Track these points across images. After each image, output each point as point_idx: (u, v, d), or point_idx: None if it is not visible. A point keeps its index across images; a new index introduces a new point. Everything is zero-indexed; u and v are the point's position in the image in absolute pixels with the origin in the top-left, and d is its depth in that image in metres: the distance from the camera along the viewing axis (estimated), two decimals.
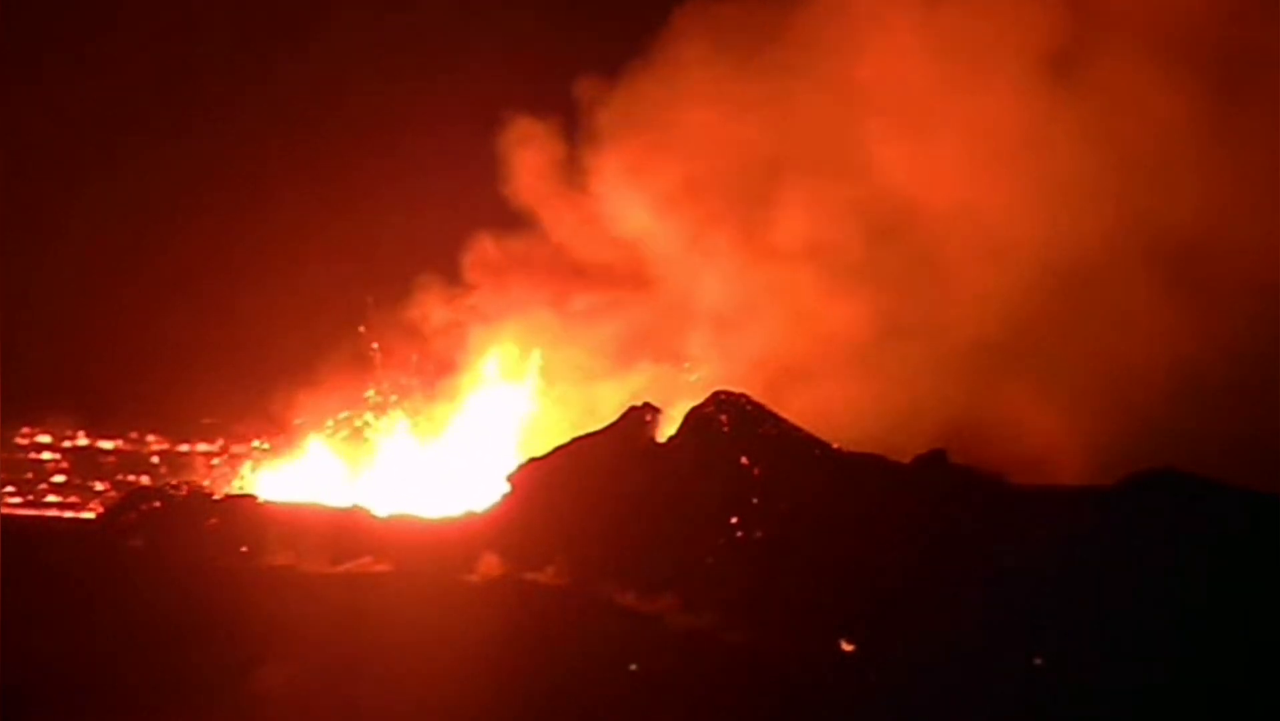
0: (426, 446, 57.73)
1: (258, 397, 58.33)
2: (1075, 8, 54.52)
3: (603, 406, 54.48)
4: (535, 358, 58.23)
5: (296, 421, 57.56)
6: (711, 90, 57.23)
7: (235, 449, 59.69)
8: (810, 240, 55.39)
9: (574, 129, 58.09)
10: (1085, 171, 54.03)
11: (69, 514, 65.12)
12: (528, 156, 58.40)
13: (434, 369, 58.81)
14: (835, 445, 49.94)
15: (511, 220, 58.66)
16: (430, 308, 58.55)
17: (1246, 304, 51.84)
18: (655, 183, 56.97)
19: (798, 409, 51.33)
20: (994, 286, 53.76)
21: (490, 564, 47.14)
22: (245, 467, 57.68)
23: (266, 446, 57.94)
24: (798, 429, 50.15)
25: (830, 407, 52.06)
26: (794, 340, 54.62)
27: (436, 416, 58.36)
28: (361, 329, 58.46)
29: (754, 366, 54.02)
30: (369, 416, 58.11)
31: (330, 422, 57.82)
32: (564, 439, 52.08)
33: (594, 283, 58.31)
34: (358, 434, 57.98)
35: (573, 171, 58.07)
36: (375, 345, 58.61)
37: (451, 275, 58.87)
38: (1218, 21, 53.69)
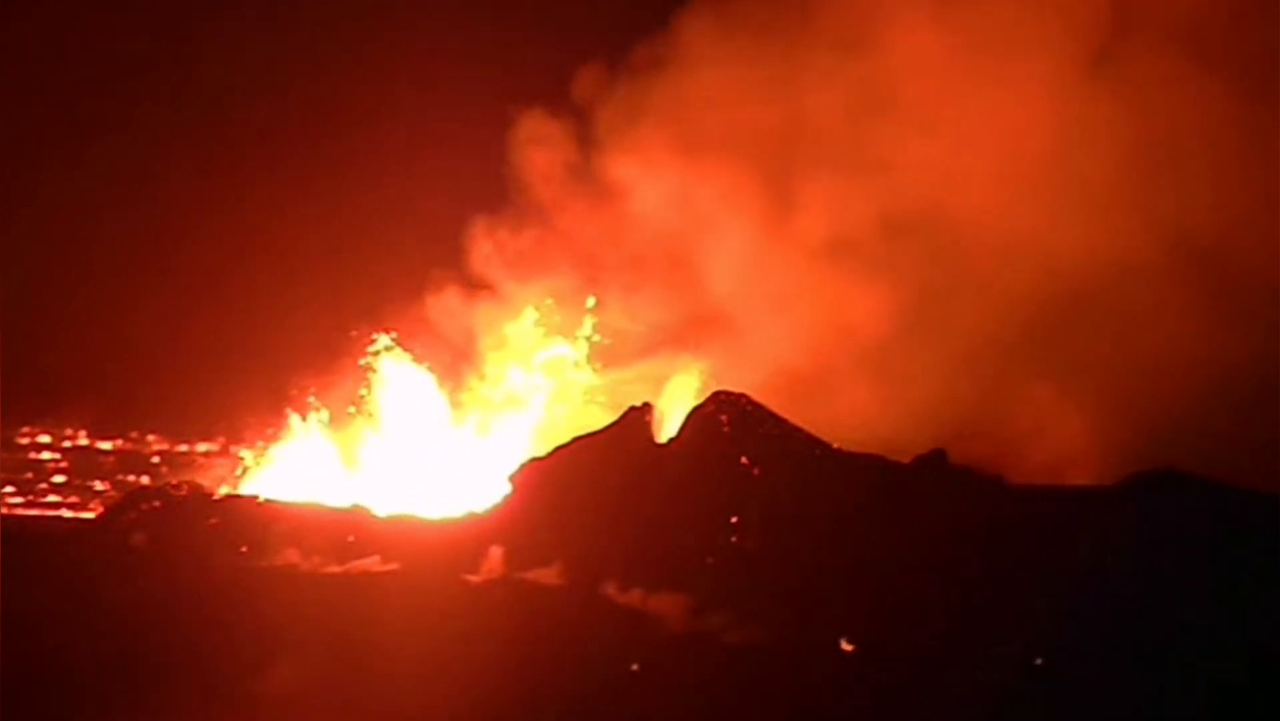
0: (447, 436, 57.65)
1: (259, 396, 58.31)
2: (1102, 8, 54.38)
3: (621, 395, 54.58)
4: (590, 303, 58.16)
5: (297, 419, 57.53)
6: (726, 85, 57.19)
7: (235, 448, 59.51)
8: (831, 238, 55.48)
9: (585, 122, 58.12)
10: (1110, 173, 53.97)
11: (69, 514, 65.13)
12: (538, 151, 58.29)
13: (452, 360, 58.64)
14: (835, 445, 49.94)
15: (519, 211, 58.65)
16: (446, 301, 58.32)
17: (1267, 307, 51.82)
18: (667, 177, 56.98)
19: (815, 407, 51.45)
20: (1015, 286, 53.83)
21: (492, 564, 47.13)
22: (246, 466, 57.63)
23: (266, 446, 57.85)
24: (798, 429, 50.18)
25: (848, 407, 52.19)
26: (811, 338, 54.65)
27: (462, 404, 58.27)
28: (353, 333, 58.30)
29: (770, 362, 54.05)
30: (368, 411, 58.01)
31: (328, 418, 57.81)
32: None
33: (611, 274, 58.24)
34: (359, 430, 57.92)
35: (584, 166, 58.07)
36: (366, 355, 58.43)
37: (463, 268, 58.79)
38: (1246, 25, 53.54)
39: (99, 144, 75.00)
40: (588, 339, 58.47)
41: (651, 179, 57.03)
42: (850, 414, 52.04)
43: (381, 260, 64.38)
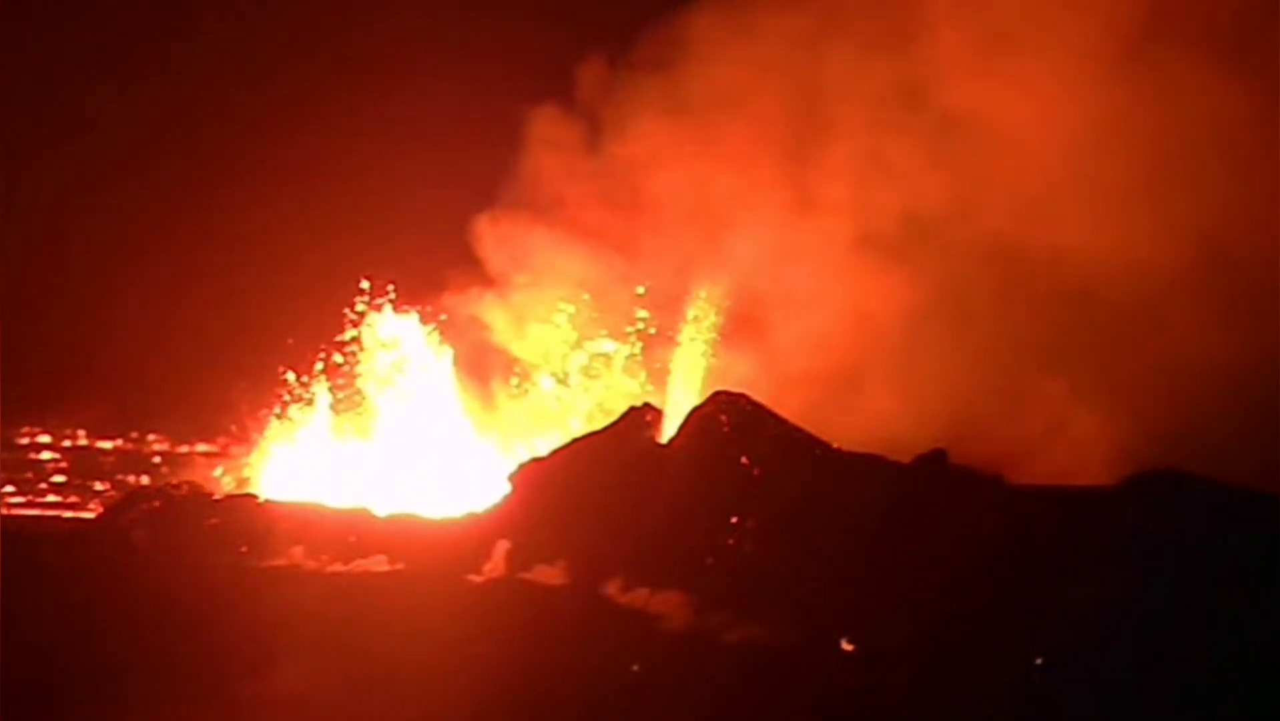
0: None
1: (258, 395, 58.18)
2: (1129, 9, 54.20)
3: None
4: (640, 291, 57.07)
5: (295, 415, 57.46)
6: (743, 78, 57.01)
7: (235, 448, 59.45)
8: (851, 234, 55.43)
9: (597, 119, 57.67)
10: (1135, 175, 53.83)
11: (69, 514, 65.10)
12: (549, 147, 57.94)
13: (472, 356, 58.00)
14: (835, 445, 49.92)
15: (531, 208, 58.04)
16: (466, 302, 57.90)
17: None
18: (680, 168, 56.81)
19: (832, 404, 51.44)
20: (1034, 285, 53.84)
21: (494, 564, 47.15)
22: (245, 466, 57.55)
23: (265, 444, 57.71)
24: (798, 429, 50.15)
25: (865, 404, 52.25)
26: (829, 335, 54.57)
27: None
28: (343, 338, 57.90)
29: (788, 359, 53.97)
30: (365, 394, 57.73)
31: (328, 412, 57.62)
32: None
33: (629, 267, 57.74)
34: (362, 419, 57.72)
35: (597, 165, 57.67)
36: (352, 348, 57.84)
37: (478, 268, 58.30)
38: (1269, 26, 53.30)
39: (98, 140, 74.87)
40: (637, 332, 57.87)
41: (667, 174, 56.81)
42: (867, 411, 52.07)
43: (388, 259, 63.90)
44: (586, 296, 57.78)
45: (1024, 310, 53.98)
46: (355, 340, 57.65)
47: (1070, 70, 54.17)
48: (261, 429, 57.48)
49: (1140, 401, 52.11)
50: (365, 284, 57.68)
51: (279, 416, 57.31)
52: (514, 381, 57.91)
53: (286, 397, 57.26)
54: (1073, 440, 52.28)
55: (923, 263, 54.77)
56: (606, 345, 57.84)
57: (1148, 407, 51.70)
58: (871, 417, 52.11)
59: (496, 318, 58.09)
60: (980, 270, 54.70)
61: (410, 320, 57.85)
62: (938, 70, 55.16)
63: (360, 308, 57.85)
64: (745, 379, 52.74)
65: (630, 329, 57.84)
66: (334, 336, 57.94)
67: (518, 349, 58.09)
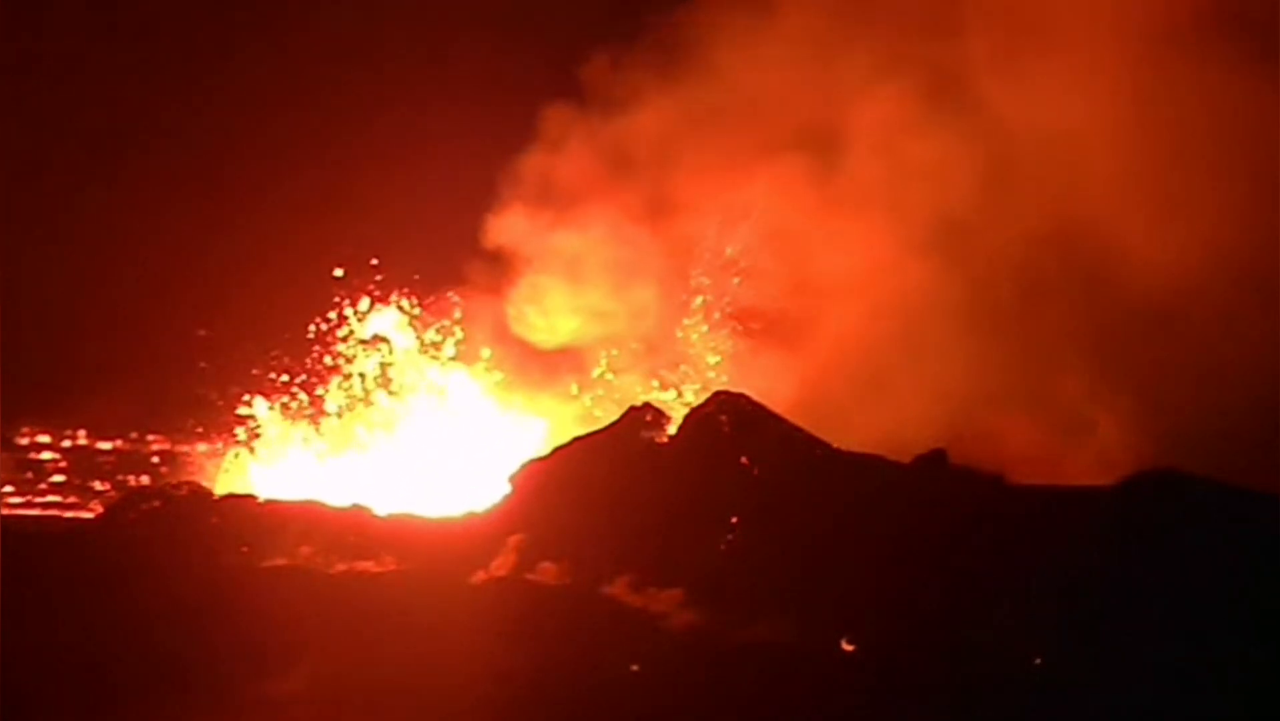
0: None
1: (256, 389, 58.03)
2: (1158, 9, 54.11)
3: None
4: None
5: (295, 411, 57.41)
6: (758, 76, 56.88)
7: (235, 447, 59.38)
8: (874, 231, 55.38)
9: (613, 118, 57.38)
10: (1170, 174, 53.77)
11: (69, 514, 65.05)
12: (561, 145, 57.65)
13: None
14: (835, 445, 49.92)
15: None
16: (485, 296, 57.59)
17: None
18: (694, 161, 56.67)
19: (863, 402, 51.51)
20: (1057, 282, 53.85)
21: (496, 564, 47.15)
22: (239, 464, 57.47)
23: (261, 442, 57.64)
24: (798, 429, 50.17)
25: (892, 405, 52.30)
26: (853, 332, 54.53)
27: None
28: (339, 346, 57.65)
29: (807, 357, 53.96)
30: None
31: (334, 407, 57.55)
32: None
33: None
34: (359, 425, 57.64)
35: (606, 156, 57.40)
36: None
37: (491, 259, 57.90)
38: None
39: (97, 139, 74.73)
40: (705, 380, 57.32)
41: (684, 170, 56.60)
42: (888, 408, 52.09)
43: (395, 258, 63.64)
44: (635, 345, 57.27)
45: (1049, 310, 54.00)
46: (327, 332, 57.46)
47: (1101, 67, 54.09)
48: (259, 425, 57.48)
49: (1162, 402, 52.05)
50: (339, 272, 57.50)
51: (275, 411, 57.30)
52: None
53: (281, 389, 57.22)
54: (1097, 442, 52.28)
55: (950, 261, 54.74)
56: (666, 394, 57.34)
57: (1168, 409, 51.64)
58: (892, 415, 52.13)
59: (516, 314, 57.93)
60: (1007, 269, 54.67)
61: (395, 313, 57.61)
62: (966, 66, 55.08)
63: (332, 316, 57.72)
64: (765, 374, 52.69)
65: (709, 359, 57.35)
66: (333, 332, 57.95)
67: (543, 341, 57.87)
